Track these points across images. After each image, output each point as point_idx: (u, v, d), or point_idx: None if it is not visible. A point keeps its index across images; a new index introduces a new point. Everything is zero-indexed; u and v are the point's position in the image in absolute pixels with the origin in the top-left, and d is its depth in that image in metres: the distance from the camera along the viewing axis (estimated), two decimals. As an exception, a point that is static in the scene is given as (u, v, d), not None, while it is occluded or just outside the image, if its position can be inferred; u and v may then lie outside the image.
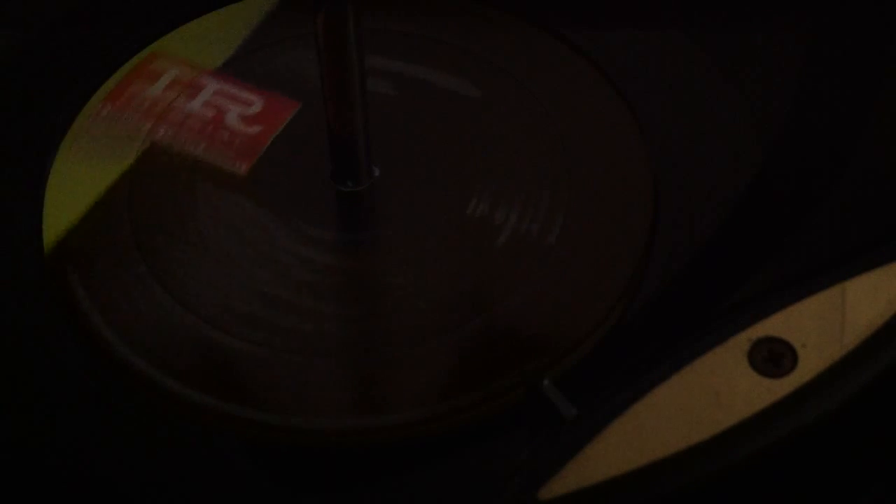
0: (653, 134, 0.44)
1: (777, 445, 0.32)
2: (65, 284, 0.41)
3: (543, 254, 0.41)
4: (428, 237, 0.41)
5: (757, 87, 0.46)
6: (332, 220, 0.43)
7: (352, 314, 0.40)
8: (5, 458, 0.37)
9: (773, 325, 0.34)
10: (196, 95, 0.45)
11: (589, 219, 0.42)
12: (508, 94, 0.45)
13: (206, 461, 0.38)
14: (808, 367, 0.33)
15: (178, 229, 0.42)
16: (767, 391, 0.33)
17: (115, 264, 0.41)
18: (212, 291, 0.40)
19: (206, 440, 0.38)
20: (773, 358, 0.33)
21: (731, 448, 0.32)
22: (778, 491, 0.34)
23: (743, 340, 0.33)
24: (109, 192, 0.43)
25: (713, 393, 0.33)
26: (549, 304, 0.40)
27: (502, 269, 0.41)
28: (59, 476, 0.37)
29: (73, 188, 0.43)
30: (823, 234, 0.41)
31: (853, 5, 0.47)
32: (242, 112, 0.44)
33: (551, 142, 0.44)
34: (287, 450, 0.37)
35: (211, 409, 0.38)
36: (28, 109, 0.46)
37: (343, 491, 0.37)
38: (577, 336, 0.39)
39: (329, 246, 0.42)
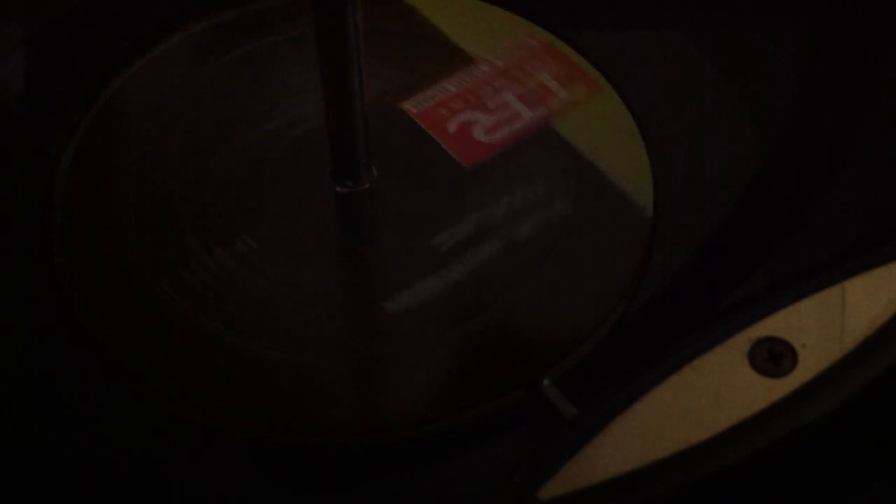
0: (653, 134, 0.44)
1: (777, 445, 0.32)
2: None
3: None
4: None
5: (757, 87, 0.46)
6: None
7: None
8: (5, 459, 0.37)
9: (773, 325, 0.34)
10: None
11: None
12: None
13: (206, 461, 0.38)
14: (808, 366, 0.33)
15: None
16: (767, 391, 0.33)
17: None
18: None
19: (206, 440, 0.38)
20: (773, 358, 0.33)
21: (731, 448, 0.32)
22: (778, 491, 0.34)
23: (743, 340, 0.33)
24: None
25: (713, 393, 0.33)
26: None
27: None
28: (58, 476, 0.37)
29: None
30: (823, 234, 0.41)
31: (853, 5, 0.47)
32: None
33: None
34: (287, 450, 0.37)
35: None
36: (28, 109, 0.46)
37: (343, 491, 0.37)
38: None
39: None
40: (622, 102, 0.45)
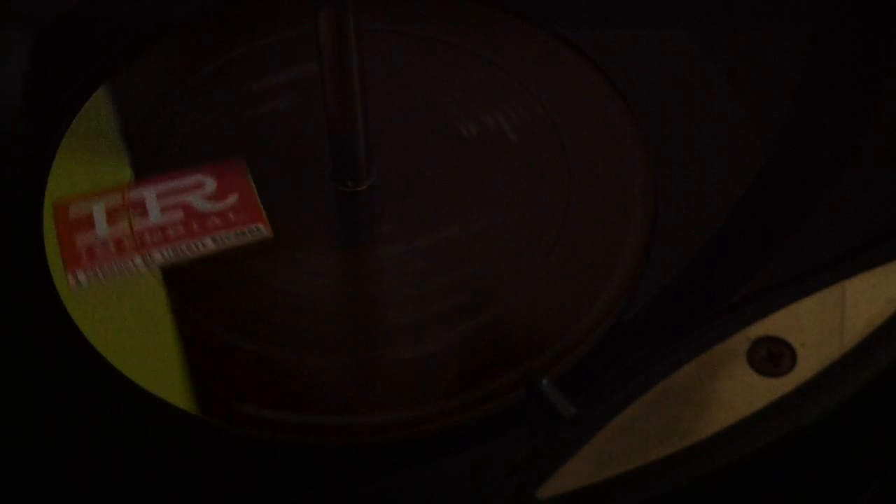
0: (653, 134, 0.44)
1: (776, 445, 0.32)
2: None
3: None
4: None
5: (757, 88, 0.46)
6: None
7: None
8: (5, 459, 0.37)
9: (773, 325, 0.34)
10: (147, 211, 0.42)
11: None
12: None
13: (206, 461, 0.38)
14: (808, 366, 0.33)
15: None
16: (767, 391, 0.32)
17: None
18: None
19: (206, 440, 0.38)
20: (772, 357, 0.33)
21: (730, 447, 0.32)
22: (777, 491, 0.34)
23: (742, 340, 0.33)
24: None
25: (712, 392, 0.33)
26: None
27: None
28: (58, 477, 0.37)
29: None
30: (823, 234, 0.41)
31: (853, 5, 0.47)
32: (203, 193, 0.42)
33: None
34: (287, 448, 0.37)
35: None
36: (28, 109, 0.46)
37: (342, 489, 0.37)
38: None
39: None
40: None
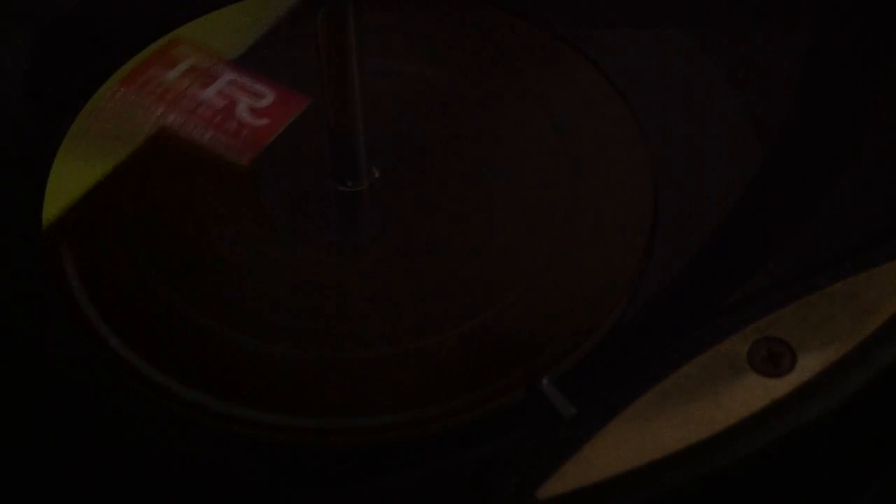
0: (653, 134, 0.44)
1: (776, 445, 0.32)
2: (64, 284, 0.41)
3: (543, 254, 0.41)
4: (427, 237, 0.41)
5: (757, 88, 0.46)
6: (331, 219, 0.43)
7: (351, 313, 0.40)
8: (4, 460, 0.37)
9: (773, 325, 0.34)
10: (210, 84, 0.45)
11: (589, 219, 0.42)
12: (509, 94, 0.45)
13: (206, 461, 0.38)
14: (808, 366, 0.33)
15: (179, 228, 0.42)
16: (766, 391, 0.33)
17: (115, 264, 0.41)
18: (212, 290, 0.40)
19: (206, 440, 0.38)
20: (772, 357, 0.33)
21: (730, 448, 0.32)
22: (777, 491, 0.34)
23: (742, 340, 0.33)
24: (110, 191, 0.43)
25: (712, 393, 0.33)
26: (549, 304, 0.40)
27: (502, 269, 0.41)
28: (58, 476, 0.37)
29: (73, 187, 0.43)
30: (823, 234, 0.41)
31: (853, 5, 0.47)
32: (253, 104, 0.45)
33: (551, 142, 0.44)
34: (286, 449, 0.37)
35: (210, 409, 0.38)
36: (28, 109, 0.46)
37: (342, 490, 0.37)
38: (577, 336, 0.39)
39: (328, 245, 0.42)
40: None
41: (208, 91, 0.45)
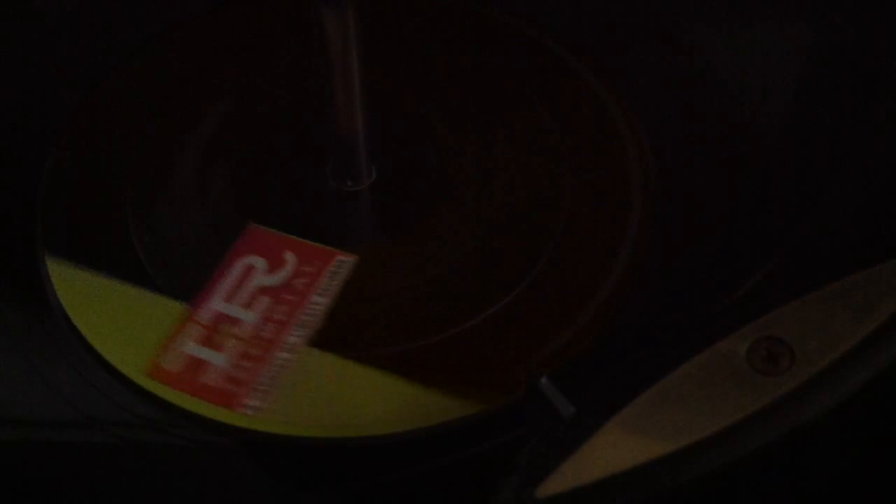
0: (653, 134, 0.44)
1: (775, 444, 0.32)
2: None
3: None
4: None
5: (756, 88, 0.46)
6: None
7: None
8: (4, 459, 0.37)
9: (772, 324, 0.34)
10: (234, 317, 0.39)
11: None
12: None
13: (206, 461, 0.38)
14: (807, 366, 0.33)
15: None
16: (765, 390, 0.32)
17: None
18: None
19: (206, 440, 0.38)
20: (771, 357, 0.33)
21: (729, 447, 0.32)
22: (776, 490, 0.34)
23: (741, 339, 0.33)
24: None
25: (712, 392, 0.33)
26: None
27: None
28: (58, 477, 0.37)
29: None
30: (823, 234, 0.41)
31: (853, 5, 0.47)
32: (263, 272, 0.40)
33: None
34: (287, 449, 0.37)
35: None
36: (27, 109, 0.46)
37: (342, 489, 0.37)
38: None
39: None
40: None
41: (248, 313, 0.39)
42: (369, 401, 0.38)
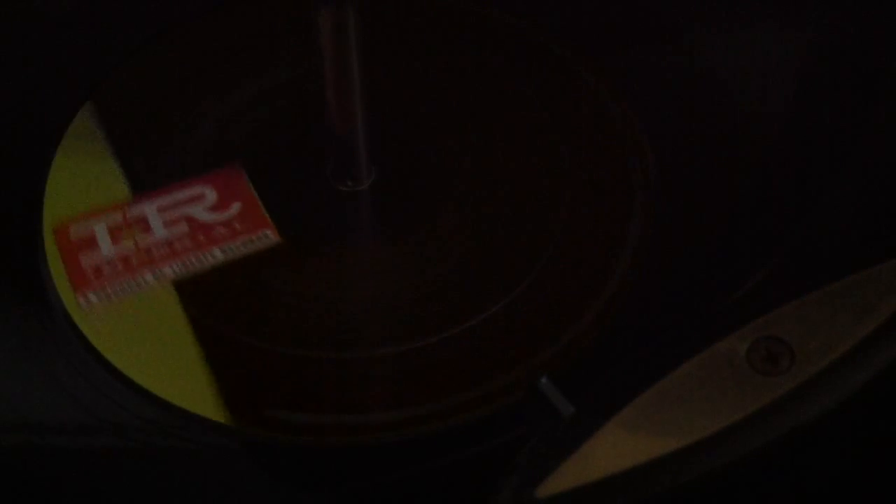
0: (653, 134, 0.44)
1: (775, 444, 0.32)
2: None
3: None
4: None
5: (756, 88, 0.46)
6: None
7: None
8: (4, 460, 0.37)
9: (772, 324, 0.34)
10: (150, 227, 0.42)
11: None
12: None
13: (206, 461, 0.38)
14: (806, 366, 0.33)
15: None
16: (765, 390, 0.33)
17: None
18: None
19: (206, 440, 0.38)
20: (771, 357, 0.33)
21: (729, 447, 0.32)
22: (776, 490, 0.34)
23: (741, 339, 0.33)
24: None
25: (711, 392, 0.33)
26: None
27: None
28: (58, 476, 0.37)
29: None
30: (822, 234, 0.41)
31: (853, 5, 0.47)
32: (205, 204, 0.42)
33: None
34: (286, 448, 0.37)
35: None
36: (28, 109, 0.46)
37: (341, 489, 0.37)
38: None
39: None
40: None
41: (160, 232, 0.41)
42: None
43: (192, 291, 0.40)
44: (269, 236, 0.41)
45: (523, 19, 0.48)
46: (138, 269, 0.40)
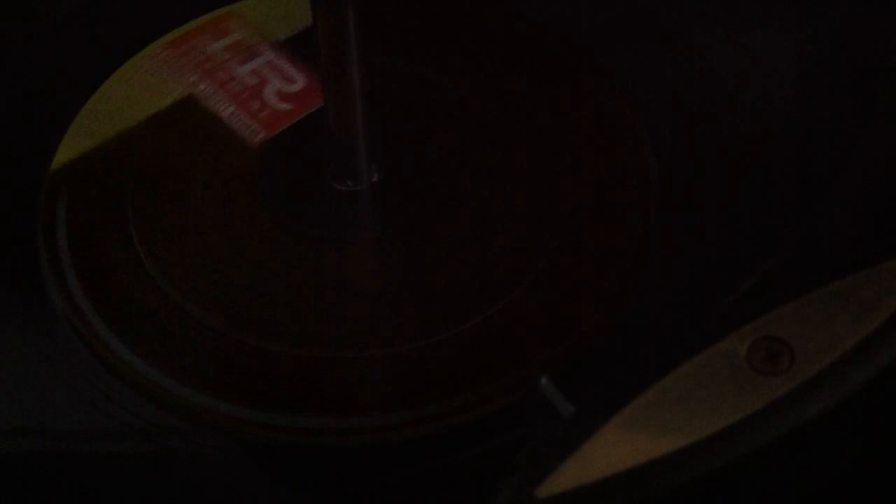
0: (653, 134, 0.44)
1: (775, 444, 0.32)
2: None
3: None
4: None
5: (757, 88, 0.46)
6: (331, 219, 0.43)
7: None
8: (4, 460, 0.37)
9: (771, 324, 0.34)
10: (248, 62, 0.46)
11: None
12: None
13: (206, 461, 0.38)
14: (806, 365, 0.33)
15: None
16: (765, 390, 0.32)
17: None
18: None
19: (206, 440, 0.38)
20: (771, 357, 0.33)
21: (729, 447, 0.32)
22: (776, 490, 0.34)
23: (741, 339, 0.33)
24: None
25: (711, 392, 0.33)
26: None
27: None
28: (57, 476, 0.37)
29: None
30: (822, 235, 0.41)
31: (853, 5, 0.47)
32: (282, 87, 0.45)
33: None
34: (286, 449, 0.37)
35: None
36: (28, 109, 0.46)
37: (341, 490, 0.37)
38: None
39: (328, 245, 0.42)
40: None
41: (243, 68, 0.46)
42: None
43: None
44: (252, 141, 0.43)
45: (523, 19, 0.48)
46: (193, 68, 0.45)
